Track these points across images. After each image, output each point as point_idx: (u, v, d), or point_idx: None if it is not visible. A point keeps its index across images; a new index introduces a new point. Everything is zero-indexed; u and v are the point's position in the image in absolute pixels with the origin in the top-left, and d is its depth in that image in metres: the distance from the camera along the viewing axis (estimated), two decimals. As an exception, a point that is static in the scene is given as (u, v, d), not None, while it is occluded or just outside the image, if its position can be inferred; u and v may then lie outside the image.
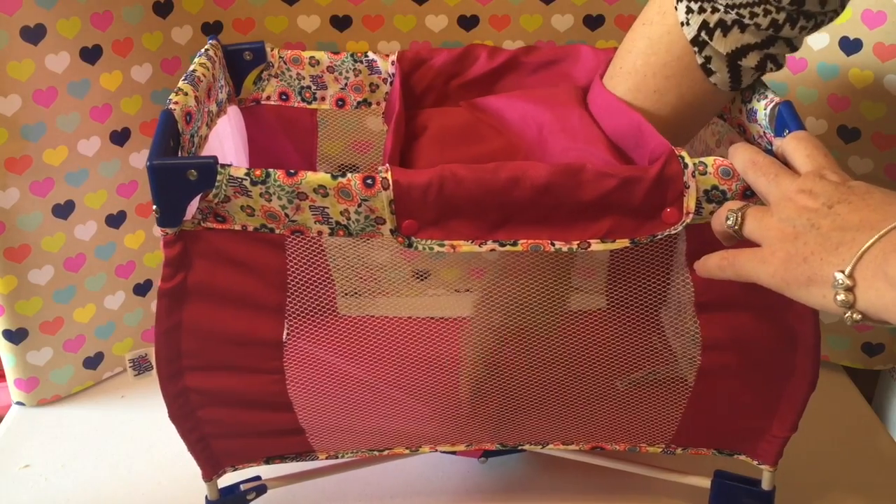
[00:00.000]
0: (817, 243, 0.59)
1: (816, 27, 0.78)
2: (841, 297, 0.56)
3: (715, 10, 0.77)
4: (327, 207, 0.70)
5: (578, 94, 0.93)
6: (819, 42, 1.06)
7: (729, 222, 0.67)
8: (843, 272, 0.56)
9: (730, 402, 0.83)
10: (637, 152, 0.80)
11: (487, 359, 0.84)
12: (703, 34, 0.79)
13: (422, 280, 0.86)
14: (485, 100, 0.96)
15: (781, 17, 0.75)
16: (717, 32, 0.78)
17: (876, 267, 0.55)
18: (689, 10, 0.79)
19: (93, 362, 1.15)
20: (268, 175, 0.69)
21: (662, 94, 0.83)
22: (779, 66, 0.82)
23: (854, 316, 0.57)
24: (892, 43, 1.01)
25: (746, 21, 0.76)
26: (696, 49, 0.80)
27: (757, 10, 0.75)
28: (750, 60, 0.79)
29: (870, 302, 0.55)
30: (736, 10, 0.76)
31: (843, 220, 0.59)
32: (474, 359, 0.84)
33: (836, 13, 0.78)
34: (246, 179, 0.69)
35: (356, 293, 0.83)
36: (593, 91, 0.91)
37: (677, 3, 0.80)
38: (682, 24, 0.80)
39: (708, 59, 0.80)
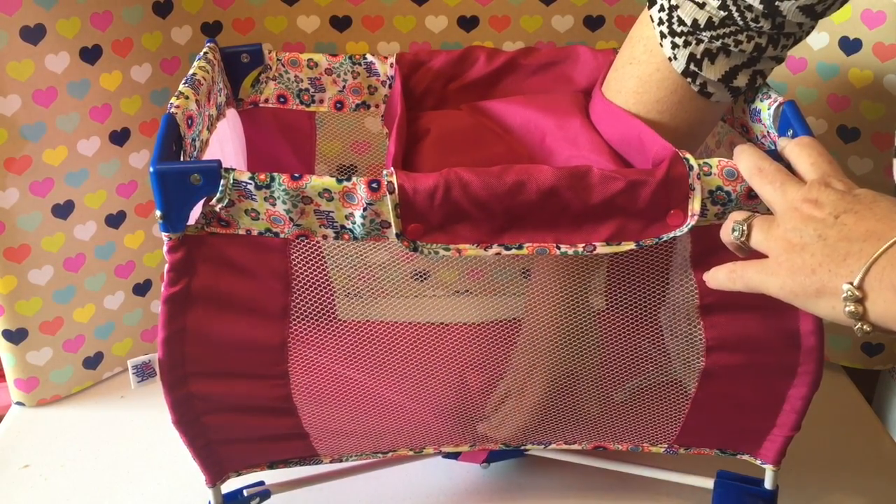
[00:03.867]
0: (825, 255, 0.59)
1: (796, 43, 0.80)
2: (850, 308, 0.56)
3: (699, 41, 0.78)
4: (332, 211, 0.70)
5: (580, 101, 0.93)
6: (819, 42, 1.06)
7: (735, 234, 0.67)
8: (851, 284, 0.56)
9: (733, 402, 0.83)
10: (639, 159, 0.80)
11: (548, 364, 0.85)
12: (691, 66, 0.80)
13: (421, 282, 0.86)
14: (487, 103, 0.96)
15: (764, 40, 0.77)
16: (706, 62, 0.79)
17: (884, 278, 0.55)
18: (674, 46, 0.80)
19: (92, 362, 1.15)
20: (272, 179, 0.68)
21: (660, 126, 0.83)
22: (765, 78, 0.83)
23: (864, 328, 0.57)
24: (892, 43, 1.01)
25: (731, 49, 0.78)
26: (689, 80, 0.81)
27: (741, 37, 0.77)
28: (741, 80, 0.81)
29: (879, 313, 0.56)
30: (721, 40, 0.77)
31: (849, 230, 0.59)
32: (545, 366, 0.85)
33: (812, 27, 0.79)
34: (250, 183, 0.68)
35: (356, 296, 0.83)
36: (595, 101, 0.91)
37: (661, 39, 0.81)
38: (669, 59, 0.81)
39: (704, 85, 0.81)
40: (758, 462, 0.88)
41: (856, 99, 1.05)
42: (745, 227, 0.66)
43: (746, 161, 0.70)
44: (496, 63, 1.00)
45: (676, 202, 0.71)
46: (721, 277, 0.68)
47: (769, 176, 0.68)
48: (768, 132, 0.81)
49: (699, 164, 0.71)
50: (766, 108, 0.81)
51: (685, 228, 0.72)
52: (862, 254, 0.57)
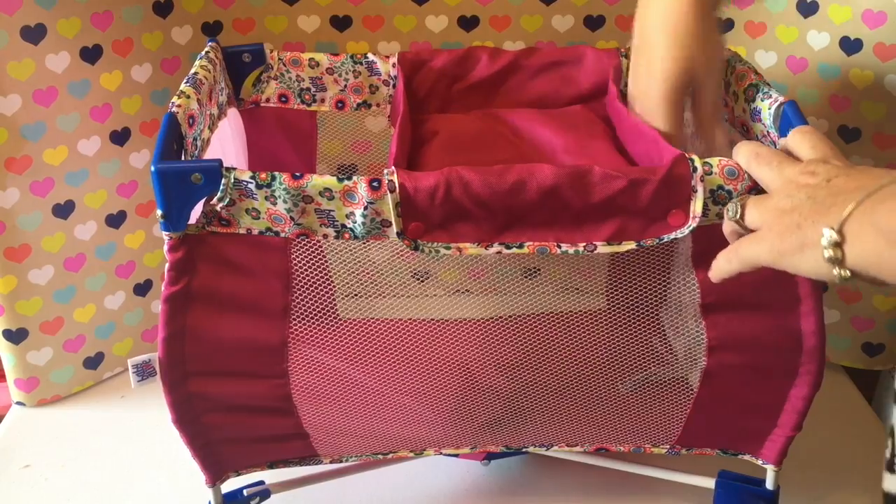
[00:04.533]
0: (811, 210, 0.59)
1: None
2: (829, 253, 0.56)
3: None
4: (333, 210, 0.70)
5: (604, 128, 0.92)
6: (820, 42, 1.06)
7: (730, 213, 0.67)
8: (832, 228, 0.56)
9: (735, 402, 0.83)
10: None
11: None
12: None
13: (421, 281, 0.86)
14: (503, 112, 0.96)
15: None
16: None
17: (863, 219, 0.55)
18: None
19: (93, 362, 1.15)
20: (273, 178, 0.68)
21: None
22: None
23: (843, 273, 0.56)
24: (893, 43, 1.01)
25: None
26: None
27: None
28: None
29: (858, 256, 0.55)
30: None
31: (838, 188, 0.59)
32: None
33: None
34: (251, 183, 0.69)
35: (356, 295, 0.83)
36: (612, 110, 0.90)
37: None
38: None
39: None
40: (759, 462, 0.88)
41: (857, 99, 1.05)
42: (739, 206, 0.66)
43: (744, 150, 0.70)
44: (499, 64, 1.00)
45: (678, 202, 0.71)
46: (720, 264, 0.68)
47: (766, 158, 0.68)
48: (768, 132, 0.81)
49: (702, 165, 0.71)
50: (767, 108, 0.81)
51: (686, 230, 0.72)
52: (845, 202, 0.57)
